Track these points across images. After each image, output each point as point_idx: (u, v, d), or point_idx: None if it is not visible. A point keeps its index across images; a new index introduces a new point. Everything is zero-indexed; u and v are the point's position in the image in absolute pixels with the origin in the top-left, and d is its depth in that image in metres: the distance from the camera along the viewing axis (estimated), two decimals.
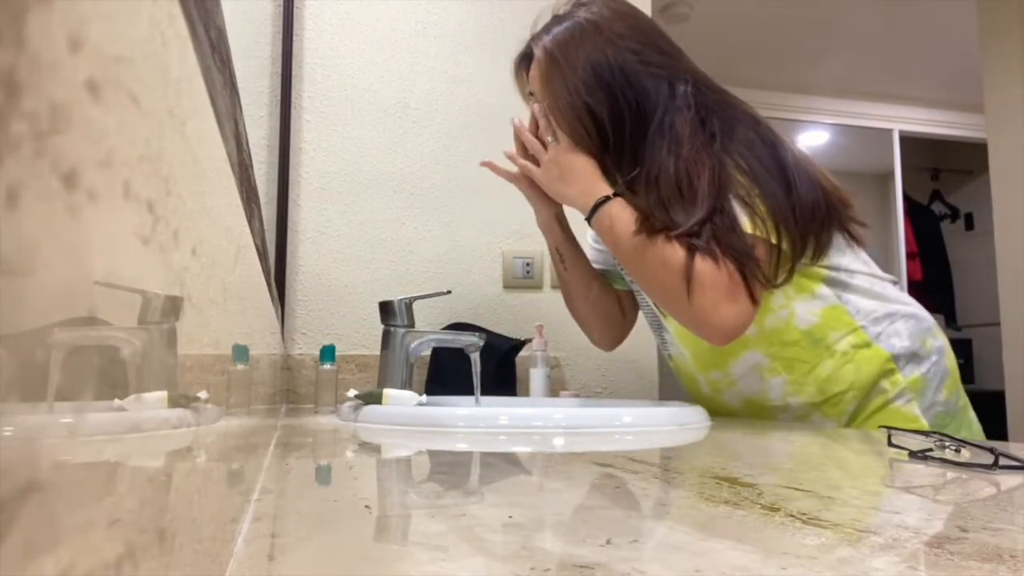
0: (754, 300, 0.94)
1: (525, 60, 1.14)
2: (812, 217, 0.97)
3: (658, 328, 1.20)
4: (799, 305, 1.02)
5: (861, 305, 1.02)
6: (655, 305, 1.15)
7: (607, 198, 1.02)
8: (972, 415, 1.06)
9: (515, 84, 1.20)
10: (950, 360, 1.05)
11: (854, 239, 1.06)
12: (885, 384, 1.01)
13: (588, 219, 1.05)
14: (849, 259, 1.04)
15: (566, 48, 1.05)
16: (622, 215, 1.00)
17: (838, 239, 1.04)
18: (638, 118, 1.02)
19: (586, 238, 1.31)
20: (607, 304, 1.28)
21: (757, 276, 0.94)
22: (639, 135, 1.03)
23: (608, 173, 1.06)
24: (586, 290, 1.26)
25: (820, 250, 1.00)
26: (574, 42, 1.05)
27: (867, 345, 1.01)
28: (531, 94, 1.14)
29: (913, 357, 1.02)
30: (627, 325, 1.33)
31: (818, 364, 1.02)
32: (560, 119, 1.07)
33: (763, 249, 0.95)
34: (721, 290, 0.93)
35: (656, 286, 0.98)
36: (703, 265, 0.93)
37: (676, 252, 0.94)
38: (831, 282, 1.03)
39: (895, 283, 1.09)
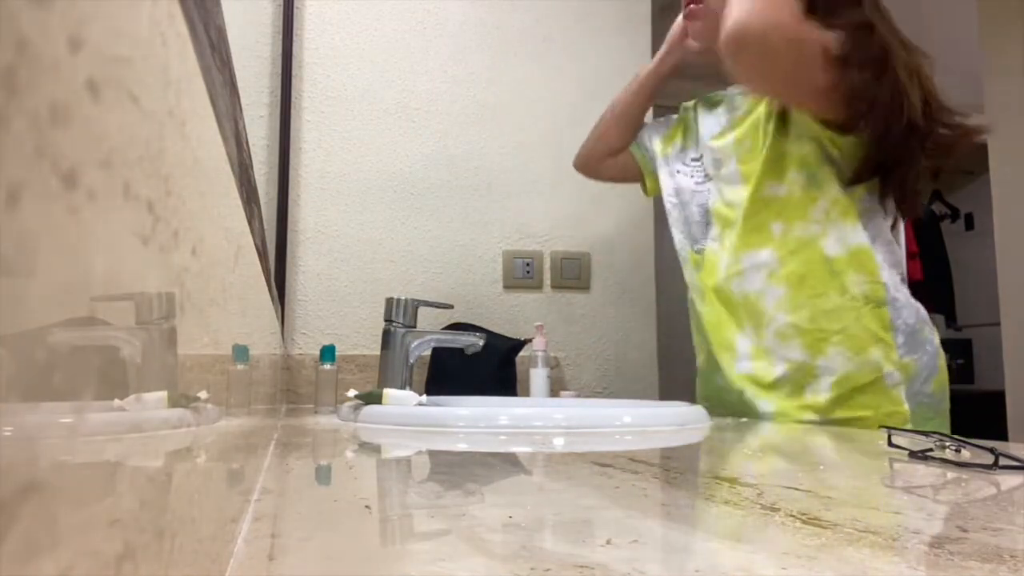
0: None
1: None
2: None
3: (704, 226, 1.16)
4: (833, 230, 1.00)
5: (886, 266, 1.01)
6: (712, 204, 1.13)
7: None
8: (947, 421, 1.03)
9: None
10: (941, 360, 1.04)
11: (902, 209, 1.05)
12: (878, 356, 0.98)
13: None
14: (884, 222, 1.04)
15: None
16: None
17: (890, 203, 1.04)
18: None
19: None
20: (625, 135, 1.37)
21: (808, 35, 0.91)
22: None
23: None
24: (628, 124, 1.37)
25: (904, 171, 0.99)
26: None
27: (880, 304, 0.99)
28: None
29: (912, 339, 1.00)
30: (609, 165, 1.41)
31: (825, 293, 1.00)
32: None
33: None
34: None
35: None
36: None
37: None
38: (868, 225, 1.01)
39: (901, 277, 1.09)
